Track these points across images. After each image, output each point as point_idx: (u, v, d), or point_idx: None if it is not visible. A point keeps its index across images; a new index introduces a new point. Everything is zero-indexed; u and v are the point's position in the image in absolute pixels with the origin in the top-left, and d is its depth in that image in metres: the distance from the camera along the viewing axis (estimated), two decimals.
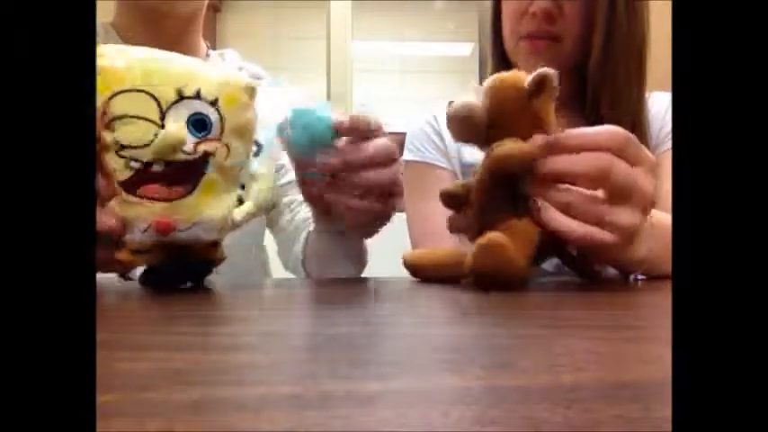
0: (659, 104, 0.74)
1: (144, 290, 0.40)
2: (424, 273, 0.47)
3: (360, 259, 0.64)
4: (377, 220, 0.50)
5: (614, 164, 0.40)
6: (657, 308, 0.34)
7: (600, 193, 0.41)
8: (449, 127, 0.45)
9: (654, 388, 0.15)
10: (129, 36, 0.69)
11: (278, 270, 0.88)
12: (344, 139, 0.45)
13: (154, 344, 0.21)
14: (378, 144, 0.46)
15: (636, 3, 0.68)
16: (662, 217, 0.49)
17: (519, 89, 0.43)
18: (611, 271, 0.49)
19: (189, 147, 0.37)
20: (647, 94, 0.72)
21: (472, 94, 0.44)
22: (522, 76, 0.43)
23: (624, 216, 0.41)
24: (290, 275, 0.72)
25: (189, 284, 0.42)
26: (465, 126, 0.44)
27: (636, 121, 0.69)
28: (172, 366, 0.17)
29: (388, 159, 0.46)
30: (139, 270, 0.42)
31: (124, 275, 0.42)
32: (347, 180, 0.46)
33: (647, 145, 0.71)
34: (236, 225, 0.43)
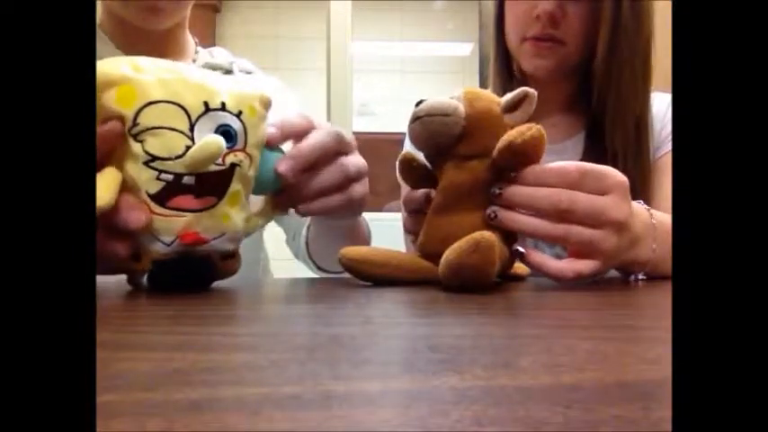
0: (659, 105, 0.74)
1: (144, 290, 0.40)
2: (363, 271, 0.44)
3: (359, 237, 0.65)
4: (346, 208, 0.49)
5: (573, 200, 0.42)
6: (657, 308, 0.34)
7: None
8: (421, 125, 0.45)
9: (654, 388, 0.15)
10: (116, 36, 0.69)
11: (278, 270, 0.88)
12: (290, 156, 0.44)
13: (154, 344, 0.21)
14: (315, 143, 0.45)
15: (641, 3, 0.68)
16: (664, 218, 0.49)
17: (496, 101, 0.45)
18: (612, 271, 0.49)
19: (218, 158, 0.38)
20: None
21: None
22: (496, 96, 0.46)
23: (600, 239, 0.43)
24: (289, 275, 0.72)
25: (196, 286, 0.42)
26: (444, 127, 0.44)
27: (641, 121, 0.69)
28: (172, 366, 0.17)
29: (337, 148, 0.46)
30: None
31: (134, 281, 0.42)
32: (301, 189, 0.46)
33: (651, 144, 0.71)
34: (247, 234, 0.43)
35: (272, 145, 0.43)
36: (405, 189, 0.82)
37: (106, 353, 0.19)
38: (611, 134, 0.68)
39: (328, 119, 2.15)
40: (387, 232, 0.85)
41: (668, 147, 0.72)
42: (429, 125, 0.44)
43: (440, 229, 0.44)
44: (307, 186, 0.45)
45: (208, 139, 0.37)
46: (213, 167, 0.38)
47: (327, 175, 0.46)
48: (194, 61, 0.75)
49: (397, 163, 0.50)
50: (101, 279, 0.42)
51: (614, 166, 0.44)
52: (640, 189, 0.64)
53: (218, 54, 0.79)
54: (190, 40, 0.77)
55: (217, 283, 0.44)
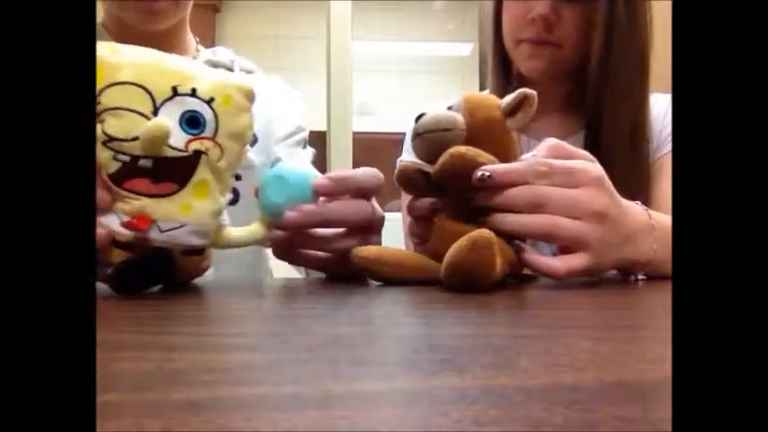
0: (659, 106, 0.74)
1: (142, 291, 0.40)
2: (377, 270, 0.44)
3: None
4: (337, 270, 0.49)
5: (545, 194, 0.42)
6: (657, 308, 0.34)
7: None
8: (423, 141, 0.45)
9: (654, 388, 0.15)
10: (118, 36, 0.69)
11: (278, 270, 0.88)
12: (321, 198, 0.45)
13: (154, 344, 0.21)
14: (354, 207, 0.46)
15: (637, 5, 0.68)
16: (664, 219, 0.49)
17: (496, 107, 0.45)
18: (612, 271, 0.49)
19: (180, 144, 0.37)
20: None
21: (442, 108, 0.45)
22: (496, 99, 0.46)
23: (584, 230, 0.43)
24: (289, 275, 0.72)
25: (158, 286, 0.40)
26: (446, 143, 0.43)
27: (636, 124, 0.69)
28: (172, 366, 0.17)
29: (361, 223, 0.47)
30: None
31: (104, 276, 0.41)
32: (314, 236, 0.46)
33: (650, 146, 0.71)
34: (234, 244, 0.42)
35: (317, 191, 0.43)
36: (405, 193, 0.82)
37: (106, 353, 0.19)
38: (606, 136, 0.68)
39: (328, 119, 2.15)
40: (386, 232, 0.85)
41: (668, 147, 0.72)
42: (429, 142, 0.44)
43: (452, 233, 0.44)
44: (313, 244, 0.46)
45: (152, 122, 0.36)
46: (172, 153, 0.37)
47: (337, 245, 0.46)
48: (194, 59, 0.75)
49: (395, 179, 0.49)
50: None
51: (611, 166, 0.44)
52: (638, 190, 0.64)
53: (221, 53, 0.79)
54: (191, 40, 0.77)
55: (218, 284, 0.44)
